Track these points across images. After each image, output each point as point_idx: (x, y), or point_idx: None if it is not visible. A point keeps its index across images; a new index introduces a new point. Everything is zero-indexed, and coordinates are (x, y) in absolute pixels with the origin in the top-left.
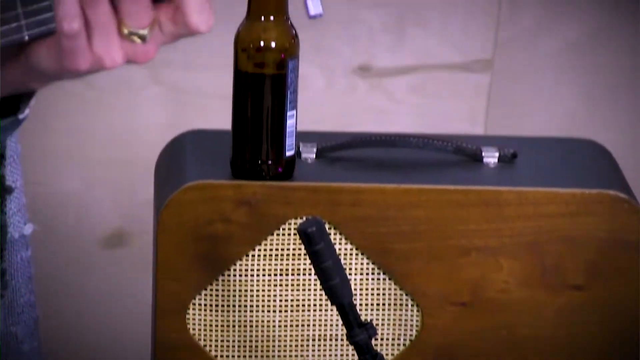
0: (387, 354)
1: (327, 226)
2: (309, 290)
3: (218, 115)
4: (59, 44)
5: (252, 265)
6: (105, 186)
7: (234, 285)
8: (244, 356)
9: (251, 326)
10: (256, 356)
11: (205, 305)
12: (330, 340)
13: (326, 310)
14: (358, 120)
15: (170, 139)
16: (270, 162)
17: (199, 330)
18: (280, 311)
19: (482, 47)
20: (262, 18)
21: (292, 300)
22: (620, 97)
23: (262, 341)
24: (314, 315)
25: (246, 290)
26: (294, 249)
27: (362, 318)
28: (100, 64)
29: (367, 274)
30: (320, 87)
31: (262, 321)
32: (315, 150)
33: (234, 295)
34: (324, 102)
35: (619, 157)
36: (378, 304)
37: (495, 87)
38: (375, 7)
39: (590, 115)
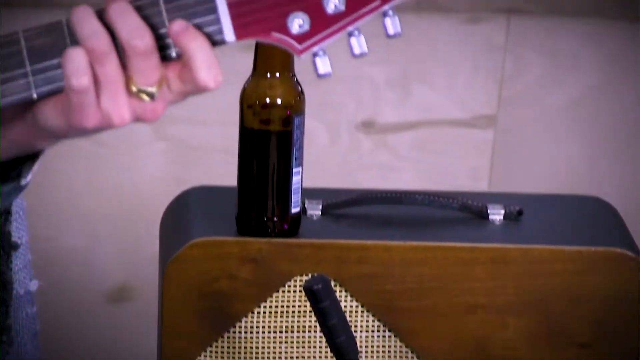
0: None
1: (332, 283)
2: (315, 347)
3: (223, 170)
4: (66, 101)
5: (258, 322)
6: (110, 241)
7: (240, 342)
8: None
9: None
10: None
11: None
12: None
13: None
14: (362, 176)
15: (176, 195)
16: (275, 218)
17: None
18: None
19: (486, 103)
20: (268, 75)
21: (297, 358)
22: (625, 152)
23: None
24: None
25: (252, 347)
26: (299, 306)
27: None
28: (108, 121)
29: (373, 331)
30: (324, 142)
31: None
32: (320, 207)
33: (240, 352)
34: (327, 158)
35: (624, 213)
36: None
37: (499, 143)
38: (380, 64)
39: (596, 170)
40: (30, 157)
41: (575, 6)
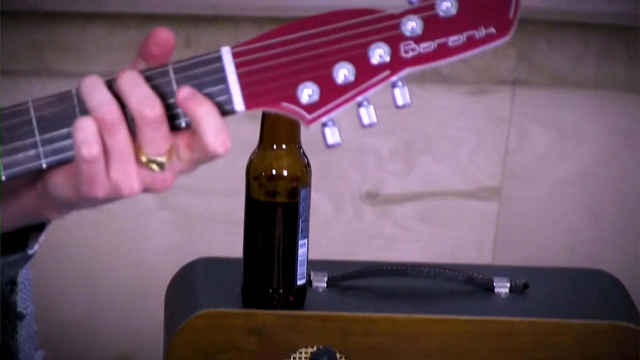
0: None
1: (338, 355)
2: None
3: (227, 241)
4: (76, 170)
5: None
6: (114, 311)
7: None
8: None
9: None
10: None
11: None
12: None
13: None
14: (366, 246)
15: (181, 266)
16: (281, 290)
17: None
18: None
19: (490, 175)
20: (275, 146)
21: None
22: (630, 225)
23: None
24: None
25: None
26: None
27: None
28: (118, 191)
29: None
30: (328, 213)
31: None
32: (326, 279)
33: None
34: (331, 228)
35: (629, 286)
36: None
37: (504, 215)
38: (384, 135)
39: (601, 243)
40: (36, 227)
41: (579, 78)
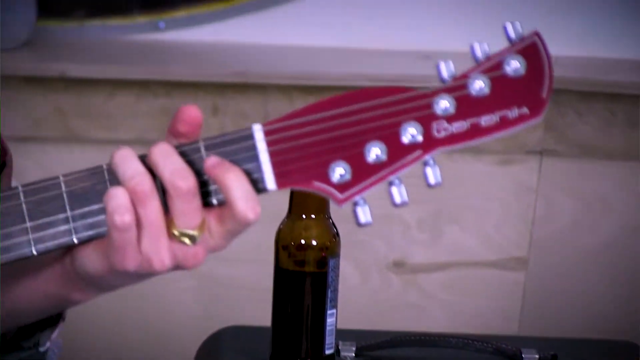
0: None
1: None
2: None
3: (255, 309)
4: (107, 243)
5: None
6: None
7: None
8: None
9: None
10: None
11: None
12: None
13: None
14: (392, 316)
15: (208, 335)
16: None
17: None
18: None
19: (517, 245)
20: (304, 216)
21: None
22: None
23: None
24: None
25: None
26: None
27: None
28: (149, 265)
29: None
30: (354, 281)
31: None
32: (354, 348)
33: None
34: (358, 297)
35: None
36: None
37: (530, 285)
38: (412, 204)
39: (629, 314)
40: (49, 323)
41: (607, 149)
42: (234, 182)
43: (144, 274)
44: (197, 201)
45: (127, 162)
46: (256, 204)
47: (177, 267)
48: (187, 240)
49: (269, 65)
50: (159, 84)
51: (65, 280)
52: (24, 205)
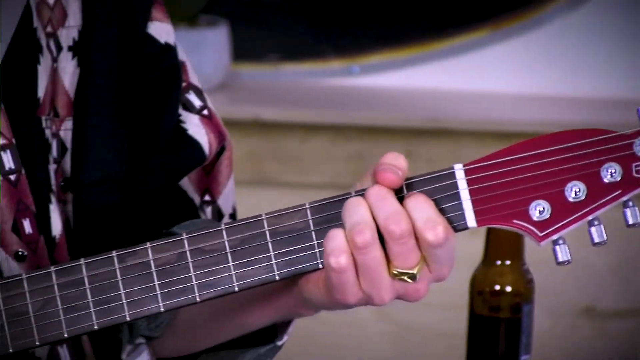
0: None
1: None
2: None
3: (447, 355)
4: (328, 277)
5: None
6: None
7: None
8: None
9: None
10: None
11: None
12: None
13: None
14: None
15: None
16: None
17: None
18: None
19: None
20: (499, 262)
21: None
22: None
23: None
24: None
25: None
26: None
27: None
28: (369, 300)
29: None
30: (545, 327)
31: None
32: None
33: None
34: (548, 342)
35: None
36: None
37: None
38: (602, 249)
39: None
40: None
41: None
42: (415, 209)
43: (367, 304)
44: (412, 242)
45: (352, 208)
46: (436, 225)
47: (399, 298)
48: (406, 279)
49: (461, 111)
50: (352, 129)
51: (295, 304)
52: (226, 243)
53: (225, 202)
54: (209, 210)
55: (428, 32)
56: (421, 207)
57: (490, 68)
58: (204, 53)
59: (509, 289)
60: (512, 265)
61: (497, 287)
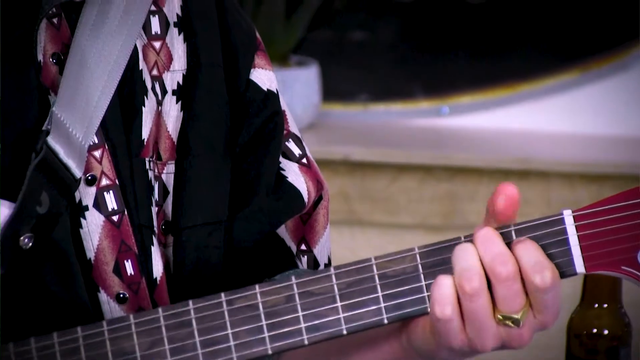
0: None
1: None
2: None
3: None
4: (432, 323)
5: None
6: None
7: None
8: None
9: None
10: None
11: None
12: None
13: None
14: None
15: None
16: None
17: None
18: None
19: None
20: (596, 305)
21: None
22: None
23: None
24: None
25: None
26: None
27: None
28: (472, 346)
29: None
30: None
31: None
32: None
33: None
34: None
35: None
36: None
37: None
38: None
39: None
40: None
41: None
42: (524, 253)
43: (471, 353)
44: (517, 285)
45: (461, 254)
46: (544, 269)
47: (503, 347)
48: (510, 324)
49: (550, 152)
50: (442, 169)
51: (399, 350)
52: (335, 287)
53: (321, 251)
54: (305, 259)
55: (517, 74)
56: (529, 251)
57: (578, 110)
58: (294, 93)
59: (606, 332)
60: (610, 308)
61: (595, 330)
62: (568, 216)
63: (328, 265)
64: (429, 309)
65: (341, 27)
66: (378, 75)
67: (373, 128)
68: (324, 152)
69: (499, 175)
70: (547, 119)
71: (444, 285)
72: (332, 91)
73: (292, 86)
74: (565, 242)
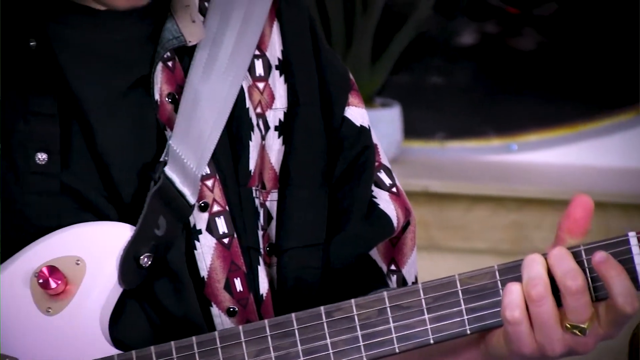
0: None
1: None
2: None
3: None
4: (504, 329)
5: None
6: None
7: None
8: None
9: None
10: None
11: None
12: None
13: None
14: None
15: None
16: None
17: None
18: None
19: None
20: None
21: None
22: None
23: None
24: None
25: None
26: None
27: None
28: (542, 351)
29: None
30: None
31: None
32: None
33: None
34: None
35: None
36: None
37: None
38: None
39: None
40: None
41: None
42: (615, 278)
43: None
44: (585, 298)
45: (530, 264)
46: (634, 300)
47: (569, 353)
48: (577, 332)
49: (609, 185)
50: (511, 200)
51: (477, 358)
52: (423, 301)
53: (409, 271)
54: (394, 278)
55: (579, 114)
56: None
57: (635, 147)
58: (378, 131)
59: None
60: None
61: None
62: (632, 237)
63: (415, 283)
64: None
65: (420, 72)
66: (453, 115)
67: (449, 163)
68: (405, 184)
69: (562, 206)
70: (605, 155)
71: (513, 292)
72: (412, 130)
73: (376, 125)
74: (631, 260)
